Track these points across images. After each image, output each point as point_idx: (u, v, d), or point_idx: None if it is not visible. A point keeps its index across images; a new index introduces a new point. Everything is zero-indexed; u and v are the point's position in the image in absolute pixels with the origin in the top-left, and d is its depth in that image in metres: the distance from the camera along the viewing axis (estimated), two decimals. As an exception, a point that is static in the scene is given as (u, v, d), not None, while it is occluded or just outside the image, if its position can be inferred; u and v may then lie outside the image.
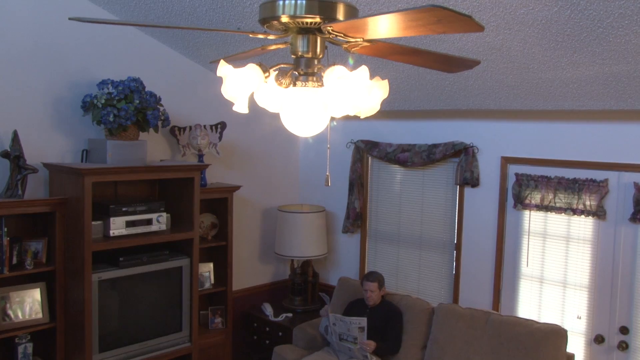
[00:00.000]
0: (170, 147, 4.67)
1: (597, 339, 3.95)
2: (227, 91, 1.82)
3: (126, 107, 3.85)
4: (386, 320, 4.35)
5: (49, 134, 3.97)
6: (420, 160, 4.71)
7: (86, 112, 3.98)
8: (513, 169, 4.31)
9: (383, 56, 2.06)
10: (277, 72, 1.91)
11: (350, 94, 1.69)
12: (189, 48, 4.49)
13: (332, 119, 1.93)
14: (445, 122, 4.67)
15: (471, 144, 4.49)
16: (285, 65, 1.92)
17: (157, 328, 4.17)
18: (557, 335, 3.82)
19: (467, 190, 4.57)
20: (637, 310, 3.80)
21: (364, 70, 1.70)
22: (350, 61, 1.84)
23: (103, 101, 3.83)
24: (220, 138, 4.70)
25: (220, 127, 4.68)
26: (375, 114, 1.98)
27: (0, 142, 3.72)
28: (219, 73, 1.83)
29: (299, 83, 1.87)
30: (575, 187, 3.98)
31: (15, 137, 3.66)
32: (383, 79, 1.97)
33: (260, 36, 1.94)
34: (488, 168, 4.45)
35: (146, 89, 4.06)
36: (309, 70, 1.87)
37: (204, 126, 4.60)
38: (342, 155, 5.26)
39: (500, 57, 3.34)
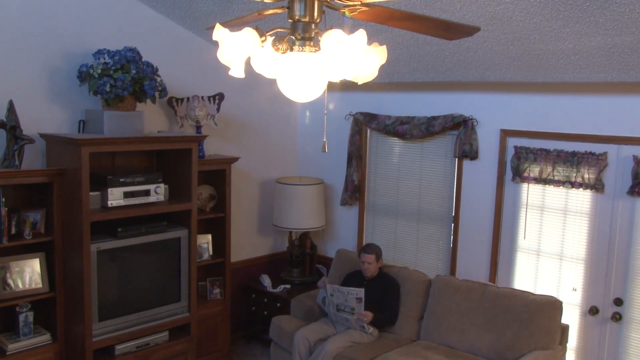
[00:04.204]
0: (167, 118, 4.64)
1: (592, 311, 3.98)
2: (223, 55, 1.80)
3: (123, 77, 3.81)
4: (383, 291, 4.38)
5: (45, 105, 3.94)
6: (419, 133, 4.69)
7: (82, 83, 3.94)
8: (512, 142, 4.30)
9: (381, 22, 2.03)
10: (273, 37, 1.88)
11: (348, 58, 1.67)
12: (187, 18, 4.44)
13: (330, 86, 1.91)
14: (445, 94, 4.64)
15: (470, 117, 4.47)
16: (282, 30, 1.90)
17: (156, 298, 4.20)
18: (552, 306, 3.86)
19: (466, 163, 4.56)
20: (631, 282, 3.83)
21: (361, 33, 1.68)
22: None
23: (99, 71, 3.79)
24: (218, 109, 4.67)
25: (218, 98, 4.65)
26: (373, 85, 1.97)
27: (-3, 111, 3.70)
28: (214, 37, 1.80)
29: (296, 48, 1.84)
30: (574, 160, 3.97)
31: (11, 107, 3.63)
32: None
33: None
34: (487, 141, 4.44)
35: (143, 59, 4.01)
36: (306, 34, 1.84)
37: (202, 97, 4.57)
38: (340, 128, 5.24)
39: (501, 28, 3.30)
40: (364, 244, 5.13)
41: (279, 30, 1.90)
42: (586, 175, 3.93)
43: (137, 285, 4.13)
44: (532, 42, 3.41)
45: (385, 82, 4.69)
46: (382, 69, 1.99)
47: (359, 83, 1.91)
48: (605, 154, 3.85)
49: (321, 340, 4.21)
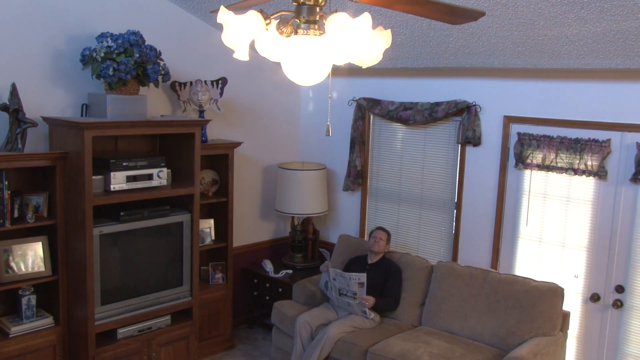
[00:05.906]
0: (170, 102, 4.63)
1: (593, 298, 3.99)
2: (227, 38, 1.79)
3: (126, 61, 3.80)
4: (385, 277, 4.40)
5: (48, 88, 3.93)
6: (422, 119, 4.68)
7: (85, 66, 3.93)
8: (515, 128, 4.28)
9: (387, 5, 2.02)
10: (278, 20, 1.87)
11: (353, 41, 1.66)
12: (190, 1, 4.41)
13: (333, 71, 1.89)
14: (448, 80, 4.62)
15: (474, 103, 4.45)
16: (286, 13, 1.88)
17: (158, 282, 4.22)
18: (553, 293, 3.87)
19: (469, 149, 4.56)
20: (633, 269, 3.83)
21: (366, 17, 1.67)
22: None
23: (102, 54, 3.78)
24: (221, 94, 4.65)
25: (221, 82, 4.64)
26: (377, 71, 1.96)
27: (-1, 94, 3.70)
28: (219, 19, 1.79)
29: (300, 31, 1.83)
30: (577, 147, 3.96)
31: (13, 90, 3.62)
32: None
33: (262, -17, 1.90)
34: (490, 127, 4.42)
35: (146, 43, 3.99)
36: (311, 17, 1.83)
37: (205, 82, 4.55)
38: (343, 113, 5.22)
39: (506, 13, 3.27)
40: (366, 229, 5.15)
41: (283, 13, 1.89)
42: (589, 162, 3.92)
43: (140, 269, 4.15)
44: (536, 28, 3.39)
45: (388, 67, 4.67)
46: (386, 54, 1.98)
47: (363, 67, 1.90)
48: (608, 141, 3.84)
49: (323, 325, 4.23)
